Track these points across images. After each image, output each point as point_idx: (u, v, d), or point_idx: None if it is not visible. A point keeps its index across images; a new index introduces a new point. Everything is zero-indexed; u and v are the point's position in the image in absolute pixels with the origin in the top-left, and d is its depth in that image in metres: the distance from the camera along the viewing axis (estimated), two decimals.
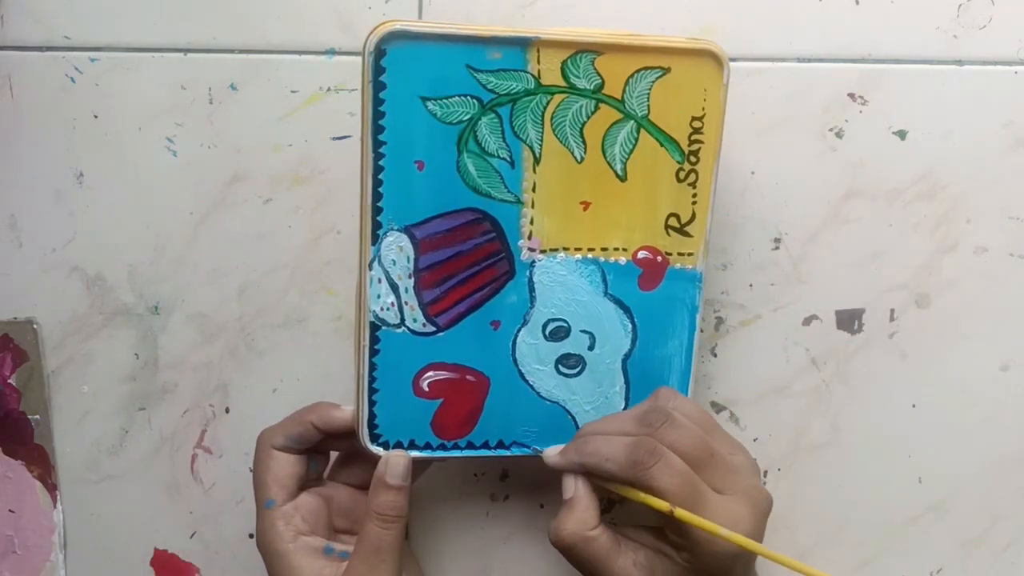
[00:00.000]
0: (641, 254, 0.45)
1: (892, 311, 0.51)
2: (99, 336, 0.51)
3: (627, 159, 0.44)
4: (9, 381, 0.51)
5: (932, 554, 0.52)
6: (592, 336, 0.46)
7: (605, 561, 0.42)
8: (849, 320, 0.51)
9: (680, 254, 0.45)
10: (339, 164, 0.50)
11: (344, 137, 0.50)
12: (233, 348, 0.51)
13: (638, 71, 0.43)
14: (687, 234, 0.45)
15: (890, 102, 0.50)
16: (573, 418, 0.46)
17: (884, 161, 0.50)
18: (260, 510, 0.45)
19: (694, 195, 0.45)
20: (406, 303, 0.44)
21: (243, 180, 0.50)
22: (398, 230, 0.43)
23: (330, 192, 0.50)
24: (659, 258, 0.45)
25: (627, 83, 0.43)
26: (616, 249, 0.45)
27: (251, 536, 0.52)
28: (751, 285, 0.51)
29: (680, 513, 0.40)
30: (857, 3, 0.49)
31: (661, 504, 0.40)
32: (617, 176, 0.44)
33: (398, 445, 0.45)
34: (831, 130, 0.50)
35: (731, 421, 0.52)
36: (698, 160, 0.44)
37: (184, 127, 0.50)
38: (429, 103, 0.42)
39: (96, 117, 0.50)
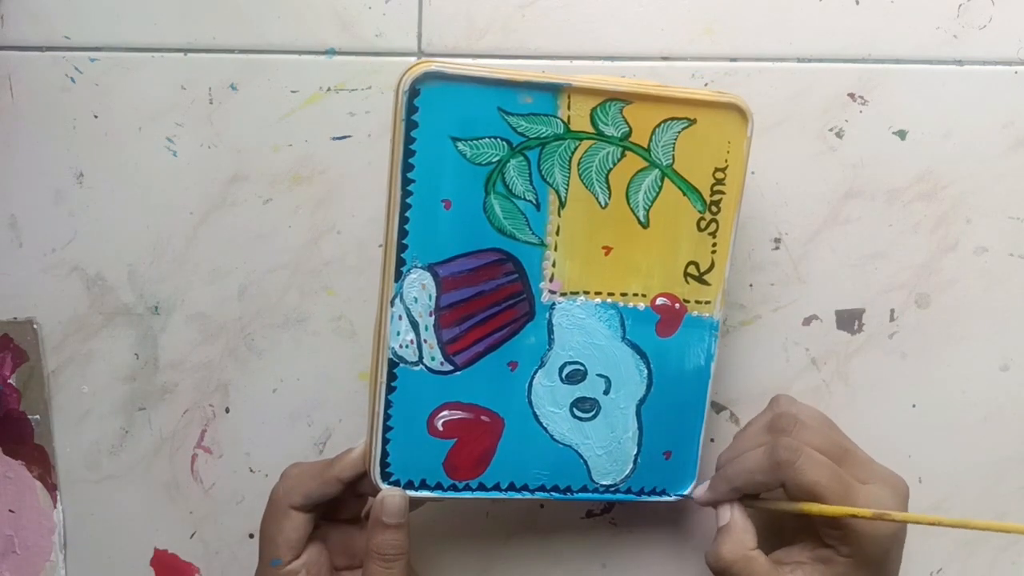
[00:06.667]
0: (659, 300, 0.45)
1: (892, 311, 0.51)
2: (99, 336, 0.51)
3: (650, 207, 0.44)
4: (9, 381, 0.51)
5: (932, 554, 0.52)
6: (608, 380, 0.45)
7: None
8: (849, 320, 0.51)
9: (698, 302, 0.45)
10: (339, 164, 0.50)
11: (344, 137, 0.50)
12: (233, 348, 0.51)
13: (665, 121, 0.43)
14: (705, 282, 0.45)
15: (890, 102, 0.50)
16: (585, 462, 0.46)
17: (884, 161, 0.50)
18: (264, 565, 0.44)
19: (714, 244, 0.45)
20: (425, 341, 0.43)
21: (243, 180, 0.50)
22: (422, 268, 0.42)
23: (330, 192, 0.50)
24: (677, 305, 0.45)
25: (654, 132, 0.43)
26: (635, 295, 0.45)
27: (251, 536, 0.52)
28: (751, 285, 0.51)
29: (876, 514, 0.40)
30: (857, 3, 0.49)
31: (843, 510, 0.41)
32: (639, 223, 0.44)
33: (409, 484, 0.44)
34: (831, 130, 0.50)
35: (731, 421, 0.52)
36: (719, 210, 0.45)
37: (184, 127, 0.50)
38: (459, 143, 0.42)
39: (96, 117, 0.50)
